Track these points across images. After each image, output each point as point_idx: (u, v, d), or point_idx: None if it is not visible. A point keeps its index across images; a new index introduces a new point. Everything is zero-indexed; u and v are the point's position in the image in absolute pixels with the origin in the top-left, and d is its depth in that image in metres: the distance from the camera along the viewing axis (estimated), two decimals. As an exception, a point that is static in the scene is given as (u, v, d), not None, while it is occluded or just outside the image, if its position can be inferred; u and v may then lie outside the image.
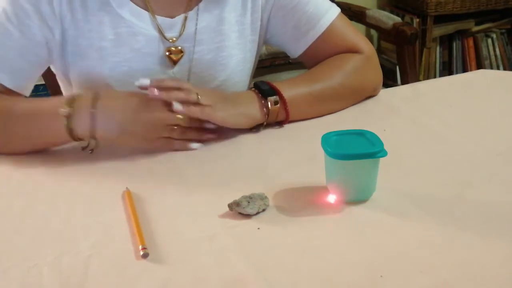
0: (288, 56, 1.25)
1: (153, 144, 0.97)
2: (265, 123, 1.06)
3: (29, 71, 1.06)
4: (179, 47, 1.10)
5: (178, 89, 0.97)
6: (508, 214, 0.81)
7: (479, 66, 3.04)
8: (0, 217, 0.82)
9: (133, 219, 0.79)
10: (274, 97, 1.04)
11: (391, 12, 2.74)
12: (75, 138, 0.95)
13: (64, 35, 1.05)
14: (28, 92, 1.07)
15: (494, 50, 3.07)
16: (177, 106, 0.96)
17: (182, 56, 1.11)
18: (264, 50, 1.23)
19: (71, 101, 0.93)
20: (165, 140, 0.97)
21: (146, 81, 0.97)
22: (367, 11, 2.21)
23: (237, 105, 1.03)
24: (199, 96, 0.98)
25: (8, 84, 1.02)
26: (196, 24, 1.11)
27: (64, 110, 0.92)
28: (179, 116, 0.96)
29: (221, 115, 1.00)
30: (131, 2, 1.07)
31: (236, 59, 1.16)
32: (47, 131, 0.95)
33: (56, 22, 1.04)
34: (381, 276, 0.69)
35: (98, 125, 0.93)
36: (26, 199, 0.87)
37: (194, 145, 1.00)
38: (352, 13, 2.23)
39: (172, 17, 1.10)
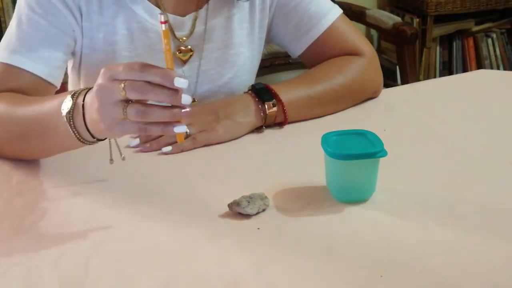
0: (288, 56, 1.25)
1: (115, 131, 0.79)
2: (263, 126, 1.06)
3: (59, 60, 1.04)
4: (189, 47, 1.11)
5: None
6: (508, 214, 0.81)
7: (479, 66, 3.04)
8: (0, 217, 0.82)
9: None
10: (272, 101, 1.05)
11: (391, 12, 2.74)
12: (76, 134, 0.85)
13: (81, 26, 1.05)
14: (59, 83, 1.06)
15: (494, 50, 3.07)
16: (166, 149, 0.98)
17: (191, 55, 1.11)
18: (264, 50, 1.23)
19: (73, 95, 0.85)
20: (123, 123, 0.78)
21: (136, 141, 1.00)
22: (367, 11, 2.21)
23: (231, 114, 1.03)
24: (187, 130, 0.99)
25: (41, 74, 1.01)
26: (206, 23, 1.11)
27: (66, 102, 0.84)
28: (121, 85, 0.76)
29: (216, 136, 1.01)
30: None
31: (243, 57, 1.16)
32: (54, 127, 0.88)
33: (77, 11, 1.04)
34: (381, 276, 0.69)
35: (86, 115, 0.82)
36: (26, 199, 0.87)
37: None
38: (352, 13, 2.23)
39: (183, 15, 1.10)
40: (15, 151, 0.95)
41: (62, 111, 0.83)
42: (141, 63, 0.77)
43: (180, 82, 0.76)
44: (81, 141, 0.84)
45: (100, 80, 0.78)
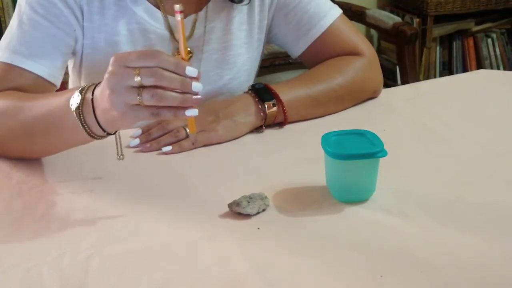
0: (288, 56, 1.25)
1: (128, 118, 0.80)
2: (263, 126, 1.06)
3: (60, 60, 1.04)
4: (188, 49, 1.11)
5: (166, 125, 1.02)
6: (508, 214, 0.81)
7: (479, 66, 3.04)
8: (0, 217, 0.82)
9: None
10: (272, 101, 1.05)
11: (391, 12, 2.73)
12: (86, 129, 0.84)
13: (82, 26, 1.05)
14: (59, 83, 1.06)
15: (494, 50, 3.07)
16: (166, 149, 0.99)
17: (190, 57, 1.11)
18: (264, 50, 1.24)
19: (82, 90, 0.86)
20: (136, 110, 0.78)
21: (136, 142, 1.01)
22: (367, 11, 2.21)
23: (231, 114, 1.03)
24: (187, 130, 1.00)
25: (42, 74, 1.01)
26: (205, 25, 1.11)
27: (75, 97, 0.84)
28: (135, 71, 0.77)
29: (216, 137, 1.01)
30: (145, 0, 1.07)
31: (243, 58, 1.16)
32: (62, 123, 0.88)
33: (78, 11, 1.04)
34: (381, 276, 0.69)
35: (97, 108, 0.82)
36: (26, 199, 0.87)
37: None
38: (352, 13, 2.23)
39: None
40: (20, 149, 0.95)
41: (71, 106, 0.84)
42: (154, 51, 0.79)
43: (191, 71, 0.79)
44: (91, 136, 0.85)
45: (111, 68, 0.79)
